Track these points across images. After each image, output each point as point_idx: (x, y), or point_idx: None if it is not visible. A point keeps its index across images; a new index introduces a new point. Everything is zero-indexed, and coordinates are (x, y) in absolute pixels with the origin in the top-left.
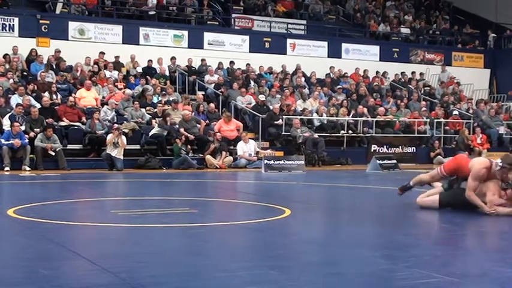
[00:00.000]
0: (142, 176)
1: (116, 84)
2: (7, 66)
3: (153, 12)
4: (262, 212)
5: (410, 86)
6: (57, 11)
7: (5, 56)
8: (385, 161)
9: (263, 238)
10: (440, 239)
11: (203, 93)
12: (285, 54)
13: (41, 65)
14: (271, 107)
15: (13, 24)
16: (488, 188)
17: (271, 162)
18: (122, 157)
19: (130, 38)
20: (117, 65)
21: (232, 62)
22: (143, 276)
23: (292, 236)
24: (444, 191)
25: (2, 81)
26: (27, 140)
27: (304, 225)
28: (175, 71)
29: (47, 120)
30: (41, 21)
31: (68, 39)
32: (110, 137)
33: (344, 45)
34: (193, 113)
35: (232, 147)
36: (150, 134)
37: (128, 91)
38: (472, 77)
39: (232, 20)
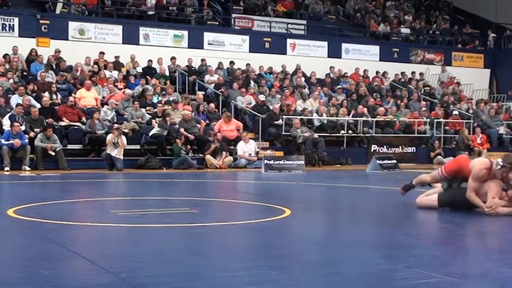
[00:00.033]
0: (142, 176)
1: (116, 84)
2: (7, 66)
3: (152, 12)
4: (262, 212)
5: (410, 86)
6: (57, 11)
7: (5, 56)
8: (385, 161)
9: (263, 238)
10: (440, 239)
11: (203, 93)
12: (285, 54)
13: (41, 65)
14: (271, 107)
15: (13, 24)
16: (490, 189)
17: (271, 162)
18: (122, 157)
19: (130, 38)
20: (117, 65)
21: (232, 62)
22: (143, 276)
23: (292, 236)
24: (443, 191)
25: (2, 81)
26: (27, 140)
27: (304, 225)
28: (175, 71)
29: (47, 120)
30: (41, 21)
31: (68, 39)
32: (109, 137)
33: (344, 45)
34: (193, 113)
35: (232, 147)
36: (150, 134)
37: (127, 91)
38: (472, 77)
39: (232, 20)
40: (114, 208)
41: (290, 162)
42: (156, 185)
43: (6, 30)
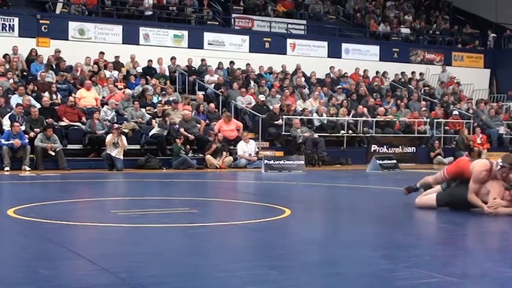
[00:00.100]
0: (142, 176)
1: (116, 84)
2: (7, 66)
3: (150, 13)
4: (262, 212)
5: (410, 86)
6: (57, 11)
7: (5, 56)
8: (385, 161)
9: (263, 238)
10: (440, 239)
11: (203, 93)
12: (285, 54)
13: (41, 65)
14: (271, 107)
15: (13, 24)
16: (492, 189)
17: (271, 162)
18: (121, 157)
19: (130, 38)
20: (117, 65)
21: (232, 62)
22: (143, 276)
23: (292, 236)
24: (442, 191)
25: (2, 81)
26: (27, 140)
27: (304, 225)
28: (175, 71)
29: (47, 120)
30: (41, 21)
31: (68, 39)
32: (109, 137)
33: (344, 45)
34: (193, 113)
35: (232, 147)
36: (150, 134)
37: (127, 91)
38: (472, 77)
39: (232, 20)
40: (114, 208)
41: (290, 162)
42: (156, 185)
43: (6, 30)
